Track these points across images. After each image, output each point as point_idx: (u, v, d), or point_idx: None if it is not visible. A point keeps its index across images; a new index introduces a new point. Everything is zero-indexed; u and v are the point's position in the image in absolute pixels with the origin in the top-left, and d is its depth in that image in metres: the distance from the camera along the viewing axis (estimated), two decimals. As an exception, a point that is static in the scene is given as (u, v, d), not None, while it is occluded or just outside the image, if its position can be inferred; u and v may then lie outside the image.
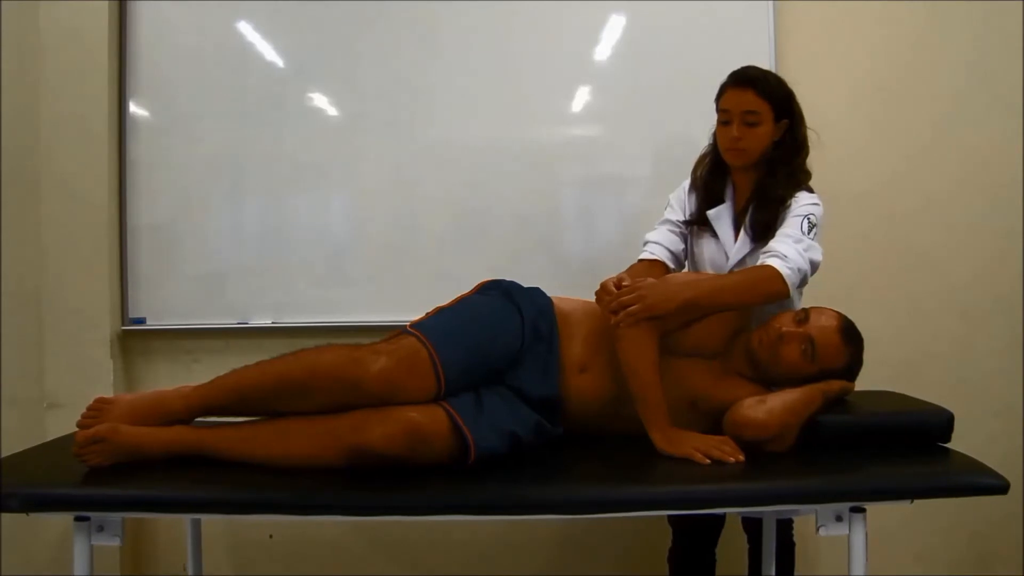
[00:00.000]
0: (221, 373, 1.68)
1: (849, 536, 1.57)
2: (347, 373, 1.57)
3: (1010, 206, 2.58)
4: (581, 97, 2.57)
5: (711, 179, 2.02)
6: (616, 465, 1.69)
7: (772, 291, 1.78)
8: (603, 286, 1.81)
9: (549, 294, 1.89)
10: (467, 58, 2.54)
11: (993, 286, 2.58)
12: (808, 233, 1.83)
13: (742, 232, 1.95)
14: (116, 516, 1.55)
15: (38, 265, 2.42)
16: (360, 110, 2.57)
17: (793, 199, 1.89)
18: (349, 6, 2.52)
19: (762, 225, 1.90)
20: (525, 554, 2.58)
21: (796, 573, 2.18)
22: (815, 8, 2.55)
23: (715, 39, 2.50)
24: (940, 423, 1.75)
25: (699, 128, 2.05)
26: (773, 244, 1.82)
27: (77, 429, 1.64)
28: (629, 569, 2.57)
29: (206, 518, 2.10)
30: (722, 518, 2.14)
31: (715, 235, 2.00)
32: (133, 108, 2.52)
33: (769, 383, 1.80)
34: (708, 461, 1.64)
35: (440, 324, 1.72)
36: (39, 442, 1.90)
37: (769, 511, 1.82)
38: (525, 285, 1.89)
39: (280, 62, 2.58)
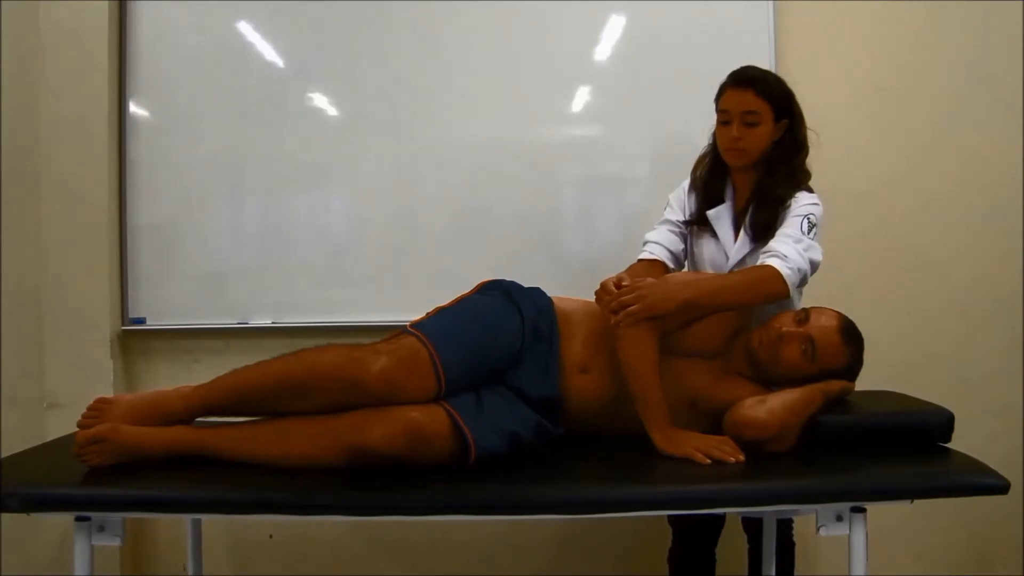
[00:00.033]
0: (221, 373, 1.68)
1: (849, 536, 1.57)
2: (347, 373, 1.57)
3: (1010, 206, 2.58)
4: (581, 97, 2.57)
5: (711, 179, 2.02)
6: (616, 465, 1.69)
7: (772, 291, 1.78)
8: (603, 286, 1.81)
9: (549, 294, 1.89)
10: (467, 58, 2.54)
11: (993, 286, 2.58)
12: (808, 233, 1.83)
13: (742, 232, 1.95)
14: (116, 516, 1.55)
15: (38, 265, 2.42)
16: (360, 110, 2.57)
17: (793, 199, 1.89)
18: (349, 6, 2.52)
19: (762, 225, 1.90)
20: (525, 554, 2.58)
21: (796, 573, 2.18)
22: (815, 8, 2.55)
23: (715, 39, 2.50)
24: (940, 423, 1.75)
25: (699, 128, 2.05)
26: (773, 244, 1.82)
27: (77, 429, 1.64)
28: (629, 569, 2.57)
29: (206, 518, 2.10)
30: (722, 518, 2.14)
31: (715, 235, 2.00)
32: (133, 108, 2.52)
33: (769, 383, 1.80)
34: (708, 461, 1.64)
35: (440, 324, 1.72)
36: (39, 442, 1.90)
37: (769, 511, 1.82)
38: (525, 285, 1.89)
39: (280, 62, 2.58)
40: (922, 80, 2.58)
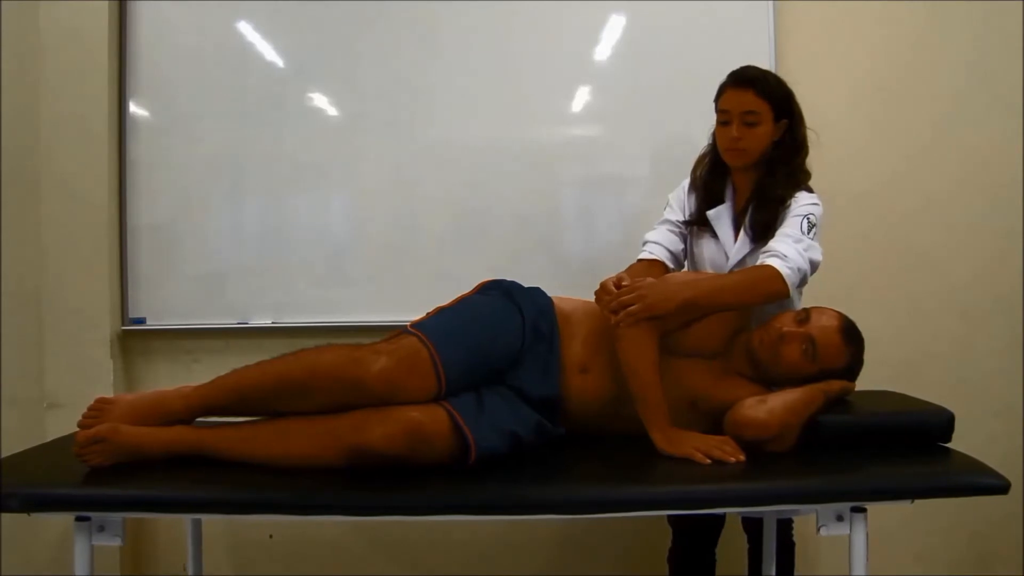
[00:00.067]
0: (221, 373, 1.68)
1: (850, 536, 1.57)
2: (347, 373, 1.57)
3: (1010, 206, 2.58)
4: (581, 97, 2.57)
5: (711, 179, 2.02)
6: (616, 465, 1.69)
7: (772, 291, 1.78)
8: (603, 286, 1.81)
9: (549, 294, 1.89)
10: (467, 58, 2.54)
11: (993, 286, 2.58)
12: (808, 233, 1.83)
13: (742, 232, 1.95)
14: (117, 516, 1.55)
15: (38, 265, 2.42)
16: (360, 110, 2.57)
17: (793, 199, 1.89)
18: (349, 6, 2.52)
19: (762, 225, 1.90)
20: (525, 554, 2.58)
21: (796, 573, 2.18)
22: (815, 8, 2.55)
23: (715, 39, 2.50)
24: (940, 423, 1.75)
25: (699, 128, 2.05)
26: (773, 244, 1.82)
27: (77, 429, 1.64)
28: (629, 569, 2.57)
29: (206, 518, 2.10)
30: (722, 518, 2.14)
31: (715, 235, 2.00)
32: (133, 108, 2.52)
33: (769, 383, 1.80)
34: (708, 461, 1.64)
35: (441, 324, 1.72)
36: (39, 442, 1.90)
37: (769, 511, 1.82)
38: (525, 285, 1.89)
39: (280, 62, 2.58)
40: (922, 80, 2.58)
